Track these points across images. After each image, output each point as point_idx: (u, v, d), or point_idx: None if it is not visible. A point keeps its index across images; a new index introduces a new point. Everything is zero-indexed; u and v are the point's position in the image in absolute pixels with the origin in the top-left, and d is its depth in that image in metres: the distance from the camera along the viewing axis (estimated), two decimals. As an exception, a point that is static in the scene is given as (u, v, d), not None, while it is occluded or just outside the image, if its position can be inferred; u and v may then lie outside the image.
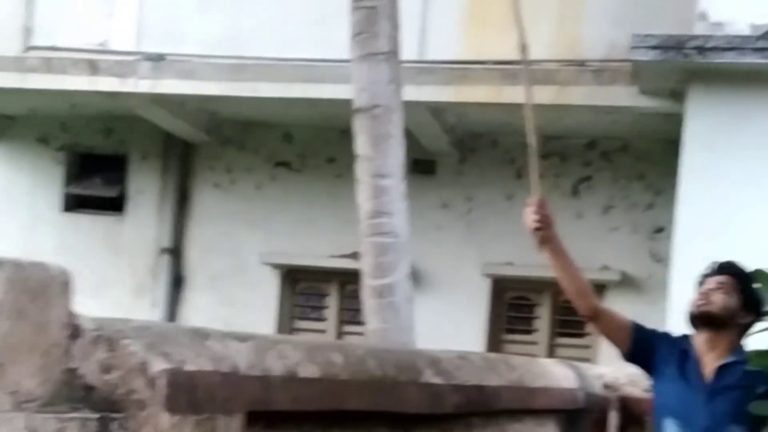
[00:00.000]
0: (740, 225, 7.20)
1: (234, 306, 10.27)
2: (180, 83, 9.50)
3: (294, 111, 9.97)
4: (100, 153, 11.38)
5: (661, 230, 9.47)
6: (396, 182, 6.46)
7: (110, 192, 11.16)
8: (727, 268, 3.96)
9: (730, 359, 3.85)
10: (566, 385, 4.39)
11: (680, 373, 3.87)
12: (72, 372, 2.13)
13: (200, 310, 10.44)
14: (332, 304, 10.49)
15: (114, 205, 11.16)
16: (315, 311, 10.65)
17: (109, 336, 2.18)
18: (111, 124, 11.21)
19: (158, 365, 2.15)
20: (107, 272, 10.79)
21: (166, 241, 10.87)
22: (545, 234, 3.96)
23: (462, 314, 10.01)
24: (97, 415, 2.07)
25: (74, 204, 11.35)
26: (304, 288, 10.66)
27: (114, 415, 2.11)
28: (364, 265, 6.31)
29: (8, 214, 11.29)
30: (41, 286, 2.11)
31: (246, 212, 10.59)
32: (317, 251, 10.18)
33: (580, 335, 9.83)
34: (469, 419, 3.57)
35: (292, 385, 2.59)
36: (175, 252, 10.87)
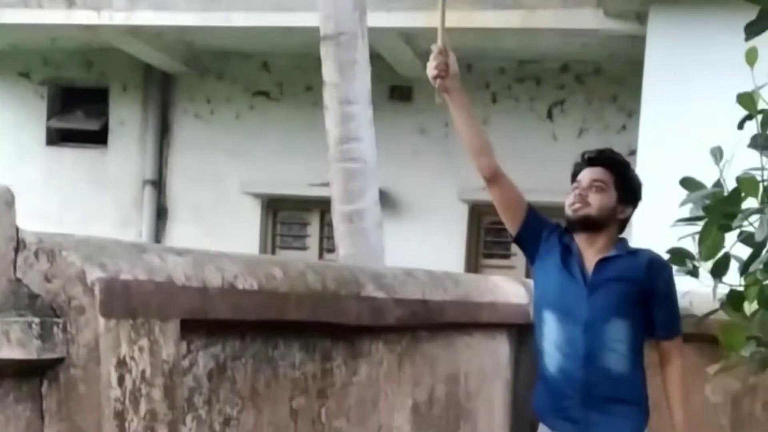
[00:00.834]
0: (701, 144, 7.32)
1: (217, 236, 10.46)
2: (155, 14, 9.58)
3: (270, 40, 10.06)
4: (82, 86, 11.51)
5: (634, 152, 9.65)
6: (363, 108, 6.58)
7: (93, 125, 11.31)
8: (599, 160, 3.79)
9: (610, 253, 3.74)
10: (516, 301, 4.52)
11: (562, 266, 3.75)
12: (17, 282, 2.30)
13: (184, 240, 10.62)
14: (313, 232, 10.67)
15: (97, 138, 11.31)
16: (297, 240, 10.84)
17: (50, 248, 2.34)
18: (91, 57, 11.31)
19: (94, 274, 2.31)
20: (93, 205, 10.98)
21: (149, 173, 11.03)
22: (445, 83, 3.80)
23: (440, 239, 10.20)
24: (39, 320, 2.25)
25: (58, 137, 11.49)
26: (286, 217, 10.84)
27: (56, 320, 2.29)
28: (334, 191, 6.47)
29: (-8, 147, 11.47)
30: (-10, 203, 2.26)
31: (226, 142, 10.74)
32: (297, 180, 10.34)
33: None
34: (415, 332, 3.75)
35: (231, 296, 2.75)
36: (158, 183, 11.04)
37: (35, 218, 10.55)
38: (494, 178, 3.80)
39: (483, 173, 3.80)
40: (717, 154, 2.89)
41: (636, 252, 3.79)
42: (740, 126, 2.80)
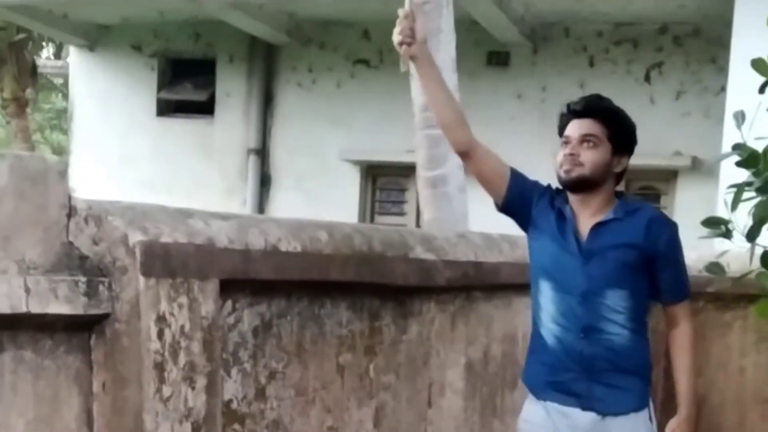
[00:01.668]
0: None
1: (317, 203, 10.72)
2: (258, -15, 9.82)
3: (370, 8, 10.20)
4: (190, 58, 11.86)
5: (735, 114, 9.54)
6: (447, 76, 6.65)
7: (200, 96, 11.67)
8: (586, 110, 3.39)
9: (607, 216, 3.37)
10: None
11: (557, 232, 3.41)
12: (69, 244, 2.53)
13: (286, 207, 10.91)
14: (411, 198, 10.81)
15: (204, 109, 11.67)
16: (395, 206, 11.01)
17: (98, 214, 2.57)
18: (199, 30, 11.65)
19: (136, 237, 2.53)
20: (200, 174, 11.35)
21: (253, 142, 11.35)
22: (411, 50, 3.38)
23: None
24: (85, 279, 2.48)
25: (167, 109, 11.89)
26: (384, 183, 11.03)
27: (102, 279, 2.52)
28: (418, 157, 6.61)
29: (106, 120, 11.91)
30: (40, 174, 2.49)
31: (327, 111, 10.96)
32: (396, 147, 10.50)
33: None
34: (470, 292, 3.89)
35: (273, 258, 2.95)
36: (262, 152, 11.34)
37: (145, 187, 11.06)
38: (469, 152, 3.48)
39: (456, 148, 3.51)
40: (739, 118, 2.96)
41: (635, 211, 3.40)
42: (761, 90, 2.86)
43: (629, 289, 3.33)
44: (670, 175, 9.97)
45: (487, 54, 10.61)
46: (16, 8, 11.49)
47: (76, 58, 12.52)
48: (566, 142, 3.39)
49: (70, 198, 2.56)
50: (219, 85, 11.62)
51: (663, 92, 10.05)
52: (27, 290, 2.35)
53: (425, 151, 6.60)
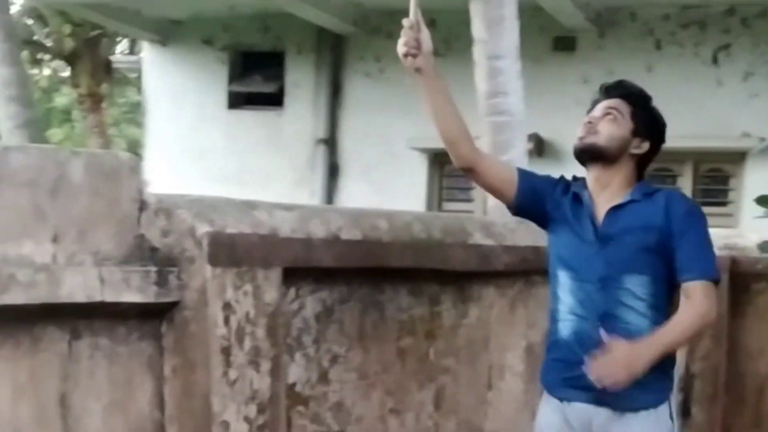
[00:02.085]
0: None
1: (386, 191, 10.83)
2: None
3: (436, -4, 10.28)
4: (260, 51, 12.04)
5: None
6: (511, 63, 6.77)
7: (270, 88, 11.85)
8: (615, 90, 3.30)
9: (624, 199, 3.21)
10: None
11: (573, 219, 3.26)
12: (140, 237, 2.69)
13: (354, 196, 11.04)
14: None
15: (273, 100, 11.85)
16: (462, 192, 11.08)
17: (167, 207, 2.72)
18: (268, 22, 11.82)
19: (203, 229, 2.68)
20: (270, 165, 11.53)
21: (322, 132, 11.50)
22: (416, 62, 3.27)
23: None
24: (156, 269, 2.63)
25: (238, 101, 12.10)
26: (452, 170, 11.09)
27: (171, 269, 2.67)
28: (483, 144, 6.70)
29: (179, 114, 12.16)
30: (113, 170, 2.65)
31: (394, 99, 11.05)
32: (465, 134, 10.57)
33: (723, 203, 9.99)
34: (529, 277, 3.97)
35: (334, 246, 3.08)
36: (330, 142, 11.50)
37: (216, 179, 11.27)
38: (474, 167, 3.30)
39: (460, 164, 3.30)
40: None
41: (654, 193, 3.22)
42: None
43: (649, 274, 3.14)
44: (739, 157, 9.92)
45: (553, 39, 10.64)
46: (90, 6, 11.79)
47: (148, 54, 12.79)
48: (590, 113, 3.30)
49: (141, 192, 2.71)
50: (288, 76, 11.79)
51: (730, 74, 9.98)
52: (102, 281, 2.50)
53: (490, 137, 6.70)
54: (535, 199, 3.30)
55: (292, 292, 3.02)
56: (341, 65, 11.56)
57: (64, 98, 22.33)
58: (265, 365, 2.76)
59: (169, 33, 12.37)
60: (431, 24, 10.33)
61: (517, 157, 6.68)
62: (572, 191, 3.30)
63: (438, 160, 11.01)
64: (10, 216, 2.39)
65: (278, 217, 2.96)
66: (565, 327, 3.22)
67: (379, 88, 11.27)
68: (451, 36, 10.95)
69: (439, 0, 10.38)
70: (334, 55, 11.55)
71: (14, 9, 15.82)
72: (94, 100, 17.31)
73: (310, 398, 3.05)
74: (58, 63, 18.88)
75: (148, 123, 12.57)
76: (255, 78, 12.01)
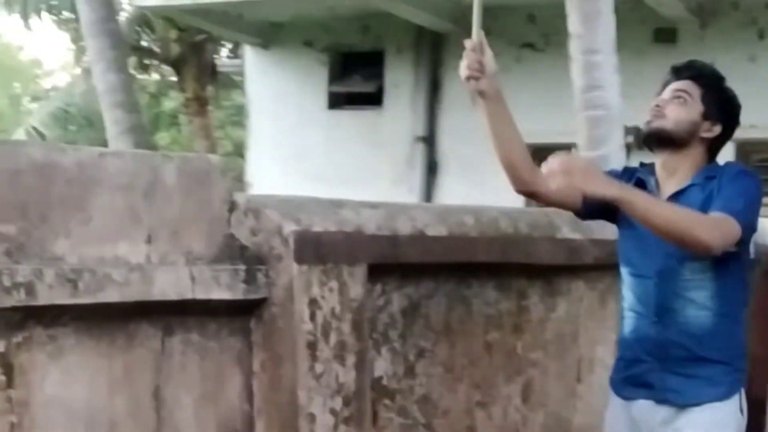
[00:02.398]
0: None
1: (484, 188, 10.77)
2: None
3: (535, -9, 10.32)
4: (360, 51, 12.18)
5: None
6: (606, 57, 6.76)
7: (369, 87, 11.98)
8: (686, 71, 3.11)
9: (686, 184, 3.01)
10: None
11: None
12: (230, 236, 2.79)
13: (453, 194, 11.08)
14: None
15: (373, 100, 11.98)
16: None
17: (256, 207, 2.82)
18: (367, 23, 11.94)
19: (290, 228, 2.77)
20: (369, 163, 11.65)
21: (420, 130, 11.58)
22: (480, 85, 3.19)
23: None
24: (244, 267, 2.73)
25: (338, 101, 12.25)
26: (546, 166, 11.09)
27: (259, 267, 2.77)
28: (579, 138, 6.72)
29: (280, 115, 12.36)
30: (204, 173, 2.77)
31: (493, 96, 11.08)
32: (561, 128, 10.53)
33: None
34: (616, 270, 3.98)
35: (420, 243, 3.15)
36: (429, 140, 11.57)
37: (316, 179, 11.43)
38: (533, 192, 3.19)
39: (518, 188, 3.22)
40: None
41: (717, 173, 2.99)
42: None
43: (711, 260, 2.91)
44: None
45: (653, 31, 10.55)
46: (194, 11, 12.07)
47: (250, 57, 13.02)
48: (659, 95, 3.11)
49: (231, 194, 2.82)
50: (387, 75, 11.90)
51: None
52: (192, 279, 2.61)
53: (586, 132, 6.71)
54: (600, 204, 2.99)
55: (378, 287, 3.09)
56: (440, 63, 11.62)
57: (172, 102, 22.81)
58: (351, 359, 2.84)
59: (270, 36, 12.58)
60: (530, 19, 10.45)
61: (613, 150, 6.67)
62: (637, 177, 3.12)
63: (536, 156, 10.98)
64: (107, 218, 2.51)
65: (364, 215, 3.04)
66: (627, 324, 3.13)
67: (478, 85, 11.30)
68: (550, 30, 10.92)
69: (538, -6, 10.43)
70: (433, 53, 11.62)
71: (123, 16, 16.30)
72: (200, 104, 17.66)
73: (397, 392, 3.12)
74: (166, 68, 19.31)
75: (251, 125, 12.81)
76: (354, 78, 12.15)
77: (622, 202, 2.83)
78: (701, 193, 2.96)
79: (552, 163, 2.90)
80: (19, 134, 17.66)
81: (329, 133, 12.06)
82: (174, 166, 2.69)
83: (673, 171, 3.06)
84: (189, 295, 2.59)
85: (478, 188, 10.87)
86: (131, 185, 2.57)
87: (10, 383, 2.29)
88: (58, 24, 18.94)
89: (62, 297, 2.35)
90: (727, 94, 3.11)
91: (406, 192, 11.30)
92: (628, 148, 9.49)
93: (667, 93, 3.07)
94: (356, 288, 2.88)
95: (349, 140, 11.91)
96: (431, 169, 11.56)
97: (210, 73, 17.97)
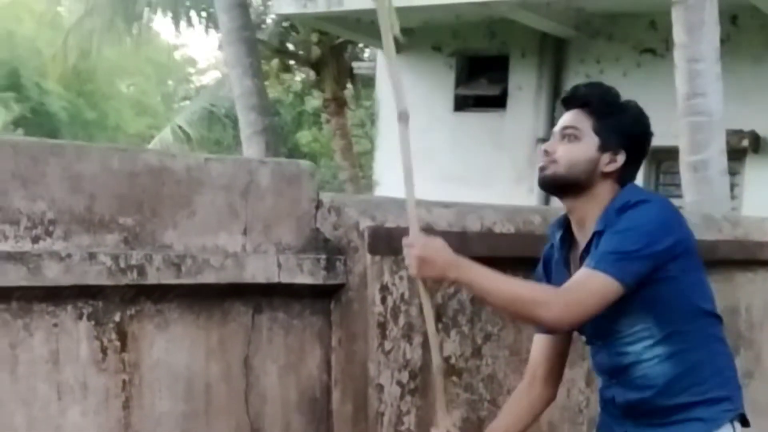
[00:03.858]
0: None
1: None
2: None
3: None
4: (485, 55, 12.55)
5: None
6: (710, 66, 6.98)
7: (493, 90, 12.35)
8: (572, 100, 2.77)
9: (594, 228, 2.65)
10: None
11: (555, 275, 2.83)
12: (316, 230, 3.22)
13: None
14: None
15: (497, 102, 12.34)
16: (680, 189, 11.15)
17: (338, 205, 3.24)
18: (493, 29, 12.31)
19: (365, 223, 3.19)
20: (491, 164, 12.02)
21: (541, 132, 11.89)
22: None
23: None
24: (325, 256, 3.16)
25: (463, 104, 12.65)
26: (668, 167, 11.22)
27: (339, 257, 3.19)
28: (681, 143, 6.95)
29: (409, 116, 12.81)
30: (295, 176, 3.20)
31: (613, 99, 11.33)
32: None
33: None
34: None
35: (488, 239, 3.53)
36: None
37: (442, 179, 11.86)
38: (573, 325, 2.74)
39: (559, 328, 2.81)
40: None
41: (623, 211, 2.62)
42: None
43: (640, 305, 2.61)
44: None
45: (768, 37, 10.64)
46: (329, 19, 12.63)
47: (382, 61, 13.51)
48: (552, 137, 2.81)
49: (317, 193, 3.25)
50: (511, 79, 12.24)
51: None
52: (279, 266, 3.05)
53: (687, 137, 6.95)
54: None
55: (449, 278, 3.47)
56: (562, 68, 11.92)
57: (315, 102, 23.52)
58: (417, 339, 3.24)
59: (401, 41, 13.02)
60: (651, 25, 10.63)
61: (714, 155, 6.88)
62: (554, 239, 2.87)
63: (655, 157, 11.17)
64: (209, 213, 2.96)
65: (436, 213, 3.44)
66: (598, 383, 2.96)
67: (600, 88, 11.55)
68: (671, 36, 11.05)
69: (660, 1, 10.58)
70: (556, 58, 11.92)
71: (270, 19, 16.99)
72: (338, 104, 18.24)
73: (464, 370, 3.50)
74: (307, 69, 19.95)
75: (380, 126, 13.30)
76: (480, 81, 12.53)
77: (461, 284, 2.75)
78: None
79: (406, 251, 2.71)
80: (166, 133, 18.48)
81: (455, 134, 12.46)
82: (268, 170, 3.13)
83: (582, 219, 2.75)
84: (276, 279, 3.02)
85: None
86: (230, 186, 3.01)
87: (123, 348, 2.77)
88: (207, 26, 19.79)
89: (168, 278, 2.81)
90: (624, 116, 2.74)
91: (526, 191, 11.61)
92: (743, 151, 9.66)
93: (556, 133, 2.77)
94: (424, 277, 3.27)
95: (473, 141, 12.29)
96: (551, 169, 11.85)
97: (348, 75, 18.56)
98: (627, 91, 9.95)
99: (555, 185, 2.75)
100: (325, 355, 3.18)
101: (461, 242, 3.44)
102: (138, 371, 2.79)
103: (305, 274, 3.10)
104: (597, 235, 2.63)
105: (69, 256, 2.64)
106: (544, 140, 11.88)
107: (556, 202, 9.66)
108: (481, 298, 2.72)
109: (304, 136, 23.35)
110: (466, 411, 3.49)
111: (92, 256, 2.68)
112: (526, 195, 11.44)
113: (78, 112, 30.81)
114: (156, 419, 2.82)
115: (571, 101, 2.79)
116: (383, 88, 13.40)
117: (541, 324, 2.71)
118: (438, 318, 3.41)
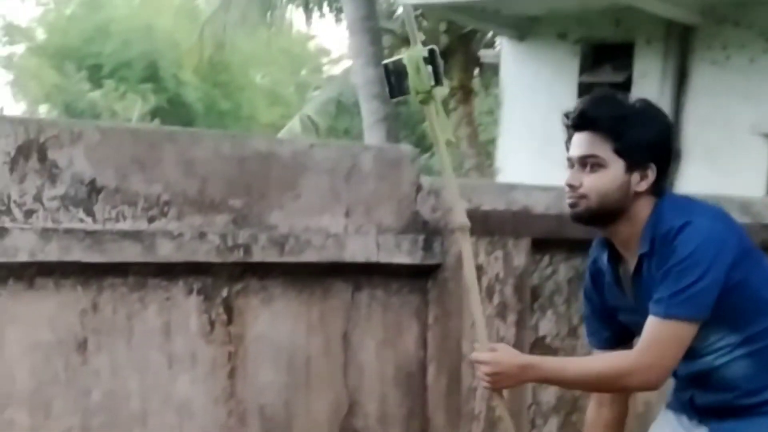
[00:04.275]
0: None
1: (726, 176, 10.92)
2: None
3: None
4: (611, 43, 12.47)
5: None
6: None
7: (618, 77, 12.25)
8: (581, 123, 2.59)
9: (643, 248, 2.54)
10: None
11: (616, 287, 2.70)
12: (416, 213, 3.36)
13: (696, 180, 11.20)
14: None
15: (620, 89, 12.23)
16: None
17: (437, 189, 3.38)
18: (618, 16, 12.22)
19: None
20: (615, 151, 11.96)
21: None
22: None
23: None
24: (423, 237, 3.30)
25: (587, 91, 12.55)
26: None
27: (436, 237, 3.33)
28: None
29: (531, 103, 12.84)
30: (396, 160, 3.34)
31: (739, 86, 11.13)
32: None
33: None
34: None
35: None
36: (674, 127, 11.75)
37: (563, 166, 11.79)
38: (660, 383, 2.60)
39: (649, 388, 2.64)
40: None
41: (665, 235, 2.49)
42: None
43: (711, 325, 2.51)
44: None
45: None
46: (454, 8, 12.75)
47: (506, 48, 13.56)
48: (570, 164, 2.64)
49: (418, 177, 3.39)
50: (636, 66, 12.14)
51: None
52: (378, 246, 3.20)
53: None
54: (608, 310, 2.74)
55: (546, 259, 3.59)
56: (688, 54, 11.77)
57: (445, 91, 23.51)
58: (511, 317, 3.36)
59: (526, 29, 13.06)
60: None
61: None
62: (597, 264, 2.76)
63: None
64: (313, 196, 3.12)
65: (533, 197, 3.54)
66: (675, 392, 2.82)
67: (725, 75, 11.38)
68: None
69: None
70: (681, 45, 11.78)
71: (398, 8, 17.17)
72: (465, 93, 18.31)
73: (559, 349, 3.60)
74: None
75: (504, 113, 13.35)
76: (605, 69, 12.46)
77: (542, 382, 2.69)
78: (653, 267, 2.53)
79: (477, 368, 2.64)
80: (295, 123, 18.82)
81: (577, 122, 12.43)
82: (371, 155, 3.28)
83: (625, 241, 2.63)
84: (374, 259, 3.18)
85: (720, 176, 11.00)
86: (334, 170, 3.17)
87: (230, 321, 2.96)
88: (337, 17, 20.01)
89: (272, 256, 2.99)
90: (642, 128, 2.54)
91: (650, 177, 11.49)
92: None
93: (574, 161, 2.60)
94: (520, 258, 3.40)
95: (595, 130, 12.24)
96: (675, 156, 11.73)
97: (475, 63, 18.62)
98: (753, 78, 10.05)
99: (591, 220, 2.62)
100: (422, 331, 3.32)
101: (558, 225, 3.54)
102: (243, 343, 2.98)
103: (403, 254, 3.24)
104: (646, 257, 2.53)
105: (181, 234, 2.84)
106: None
107: (680, 186, 9.50)
108: (566, 387, 2.73)
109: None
110: (561, 390, 3.59)
111: (202, 235, 2.88)
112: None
113: (213, 103, 31.54)
114: (259, 389, 3.00)
115: (581, 123, 2.59)
116: (507, 76, 13.45)
117: (636, 390, 2.67)
118: (534, 298, 3.52)
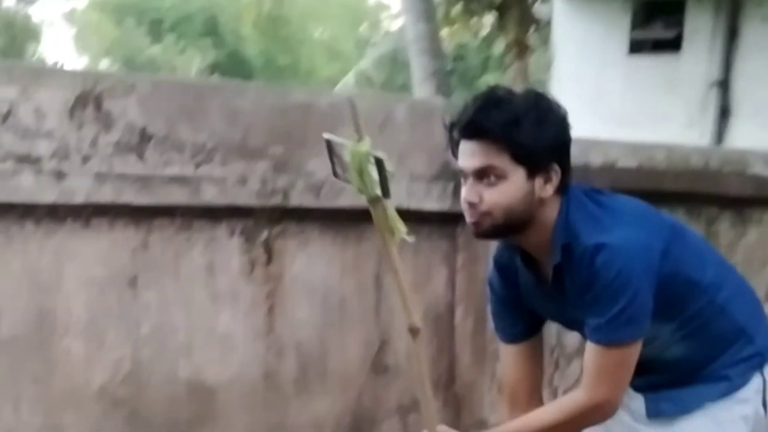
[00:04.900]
0: None
1: (774, 132, 10.96)
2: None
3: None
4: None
5: None
6: None
7: (668, 34, 12.30)
8: (470, 131, 2.29)
9: (555, 257, 2.32)
10: None
11: (537, 290, 2.50)
12: (446, 162, 3.53)
13: (744, 138, 11.23)
14: None
15: (671, 46, 12.27)
16: None
17: (466, 140, 3.54)
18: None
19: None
20: (663, 107, 11.99)
21: (715, 75, 11.78)
22: None
23: None
24: (453, 184, 3.46)
25: (638, 47, 12.63)
26: None
27: (465, 187, 3.50)
28: None
29: (583, 59, 12.91)
30: (428, 112, 3.51)
31: (790, 42, 11.16)
32: None
33: None
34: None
35: (609, 173, 3.76)
36: (724, 84, 11.74)
37: (613, 120, 11.92)
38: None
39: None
40: None
41: (568, 246, 2.31)
42: None
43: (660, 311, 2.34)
44: None
45: None
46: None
47: (559, 4, 13.60)
48: (464, 177, 2.36)
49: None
50: (687, 22, 12.15)
51: None
52: (409, 193, 3.39)
53: None
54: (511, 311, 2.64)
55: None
56: (739, 10, 11.76)
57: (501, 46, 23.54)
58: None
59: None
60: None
61: None
62: (507, 262, 2.57)
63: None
64: (350, 145, 3.31)
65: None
66: None
67: (776, 32, 11.39)
68: None
69: None
70: (732, 1, 11.77)
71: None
72: (520, 49, 18.29)
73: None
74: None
75: (557, 69, 13.42)
76: (656, 25, 12.49)
77: None
78: (574, 281, 2.33)
79: None
80: (350, 77, 18.97)
81: (627, 77, 12.48)
82: (404, 106, 3.46)
83: (536, 248, 2.42)
84: (406, 205, 3.35)
85: (768, 131, 11.03)
86: (369, 120, 3.30)
87: (269, 261, 3.17)
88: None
89: (309, 201, 3.20)
90: (537, 127, 2.26)
91: (697, 136, 11.56)
92: None
93: (468, 174, 2.33)
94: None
95: (646, 84, 12.29)
96: (724, 113, 11.76)
97: (531, 18, 18.57)
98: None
99: (498, 235, 2.42)
100: (450, 275, 3.51)
101: (583, 176, 3.69)
102: (281, 283, 3.19)
103: (433, 200, 3.43)
104: (562, 269, 2.34)
105: (224, 180, 3.05)
106: (718, 83, 11.84)
107: (728, 143, 9.59)
108: None
109: (489, 81, 23.47)
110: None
111: (244, 181, 3.09)
112: (697, 140, 11.40)
113: (272, 58, 31.75)
114: (295, 326, 3.22)
115: (470, 132, 2.30)
116: (560, 32, 13.50)
117: (602, 420, 2.44)
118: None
